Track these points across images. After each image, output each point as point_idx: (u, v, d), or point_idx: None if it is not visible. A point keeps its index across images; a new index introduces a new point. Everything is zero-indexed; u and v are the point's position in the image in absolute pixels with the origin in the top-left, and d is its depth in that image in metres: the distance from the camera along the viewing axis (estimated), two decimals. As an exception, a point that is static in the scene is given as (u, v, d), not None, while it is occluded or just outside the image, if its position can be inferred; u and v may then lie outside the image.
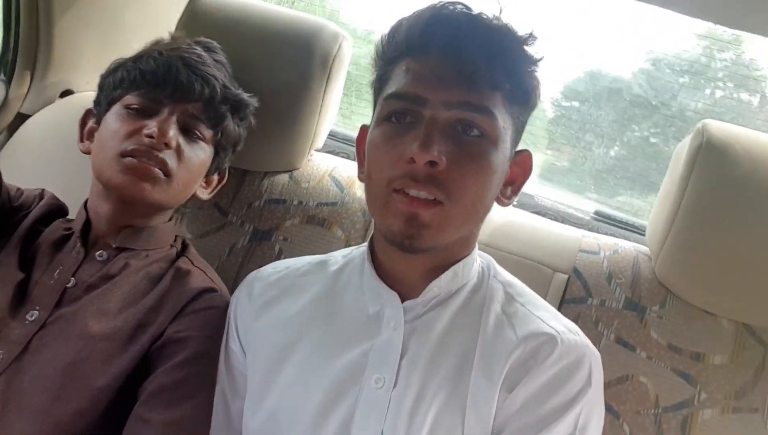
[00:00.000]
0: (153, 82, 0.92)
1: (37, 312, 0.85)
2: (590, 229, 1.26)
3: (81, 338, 0.82)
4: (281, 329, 0.83)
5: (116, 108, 0.94)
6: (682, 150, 1.01)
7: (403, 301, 0.79)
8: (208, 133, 0.96)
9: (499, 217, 1.14)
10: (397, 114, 0.75)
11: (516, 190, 0.83)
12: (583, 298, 1.00)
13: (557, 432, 0.70)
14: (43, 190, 1.02)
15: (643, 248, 1.09)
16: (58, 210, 0.98)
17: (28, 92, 1.35)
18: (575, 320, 0.90)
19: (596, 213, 1.42)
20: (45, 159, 1.21)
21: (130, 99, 0.93)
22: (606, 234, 1.27)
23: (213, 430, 0.84)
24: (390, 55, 0.79)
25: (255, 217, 1.12)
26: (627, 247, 1.08)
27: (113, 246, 0.92)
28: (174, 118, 0.91)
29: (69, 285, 0.88)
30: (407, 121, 0.74)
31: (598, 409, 0.75)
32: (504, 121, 0.75)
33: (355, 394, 0.74)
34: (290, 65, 1.10)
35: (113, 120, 0.93)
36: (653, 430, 0.94)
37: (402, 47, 0.77)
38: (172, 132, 0.90)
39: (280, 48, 1.11)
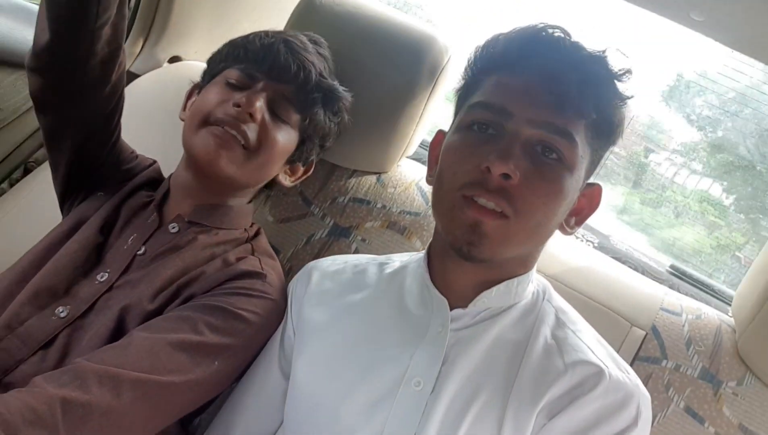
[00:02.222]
0: (253, 58, 0.95)
1: (107, 274, 0.88)
2: (662, 283, 1.22)
3: (132, 305, 0.84)
4: (331, 321, 0.84)
5: (216, 80, 0.96)
6: None
7: (452, 310, 0.79)
8: (295, 117, 0.96)
9: (581, 258, 1.11)
10: (479, 123, 0.76)
11: (580, 222, 0.82)
12: (658, 359, 0.96)
13: None
14: (154, 161, 1.05)
15: (728, 319, 1.04)
16: (156, 183, 1.00)
17: (139, 53, 1.40)
18: (646, 380, 0.87)
19: (672, 267, 1.37)
20: (147, 120, 1.25)
21: (230, 73, 0.95)
22: (678, 291, 1.22)
23: (253, 406, 0.86)
24: (482, 65, 0.80)
25: (337, 213, 1.12)
26: (710, 314, 1.04)
27: (186, 220, 0.93)
28: (264, 95, 0.92)
29: (139, 253, 0.90)
30: (489, 133, 0.75)
31: None
32: (583, 150, 0.75)
33: (394, 394, 0.75)
34: (397, 71, 1.10)
35: (210, 90, 0.95)
36: (709, 509, 0.90)
37: (496, 60, 0.78)
38: (259, 104, 0.91)
39: (389, 53, 1.11)
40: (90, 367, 0.73)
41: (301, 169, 1.05)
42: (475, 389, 0.74)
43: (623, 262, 1.23)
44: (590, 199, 0.82)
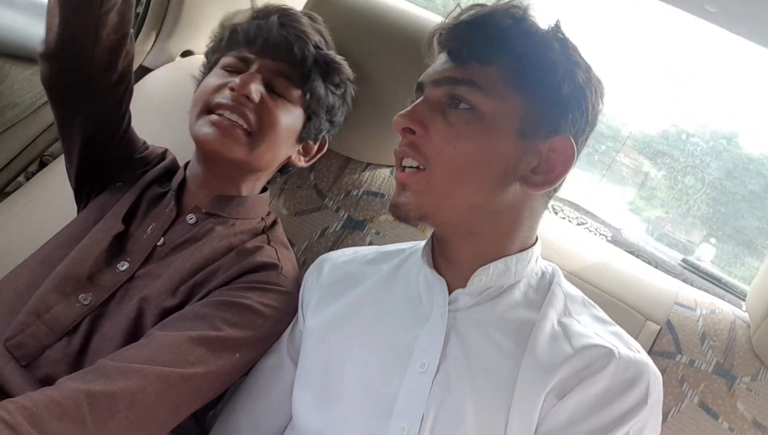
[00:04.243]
0: (245, 40, 0.95)
1: (127, 263, 0.89)
2: (676, 277, 1.22)
3: (151, 298, 0.85)
4: (339, 310, 0.85)
5: (214, 70, 0.97)
6: None
7: (452, 291, 0.80)
8: (296, 92, 0.96)
9: (596, 252, 1.11)
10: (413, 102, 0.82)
11: (551, 179, 0.76)
12: (672, 354, 0.96)
13: None
14: (166, 150, 1.06)
15: (742, 314, 1.04)
16: (174, 173, 1.01)
17: (152, 48, 1.40)
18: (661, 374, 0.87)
19: (684, 261, 1.36)
20: (161, 114, 1.26)
21: (225, 60, 0.96)
22: (691, 285, 1.22)
23: (263, 395, 0.87)
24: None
25: (351, 206, 1.13)
26: (725, 308, 1.04)
27: (203, 211, 0.94)
28: (260, 75, 0.92)
29: (159, 243, 0.91)
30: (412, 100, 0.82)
31: (650, 430, 0.73)
32: (504, 97, 0.75)
33: (400, 377, 0.76)
34: (409, 63, 1.09)
35: (208, 80, 0.96)
36: (722, 503, 0.90)
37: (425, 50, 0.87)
38: (254, 86, 0.91)
39: (402, 45, 1.11)
40: (113, 365, 0.74)
41: (314, 148, 1.04)
42: (482, 370, 0.74)
43: (636, 256, 1.23)
44: (560, 153, 0.76)
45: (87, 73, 0.91)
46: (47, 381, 0.76)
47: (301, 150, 1.02)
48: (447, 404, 0.73)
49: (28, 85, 1.17)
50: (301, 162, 1.03)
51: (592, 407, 0.71)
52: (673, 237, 1.70)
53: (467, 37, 0.77)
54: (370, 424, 0.75)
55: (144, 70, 1.38)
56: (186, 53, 1.44)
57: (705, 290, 1.20)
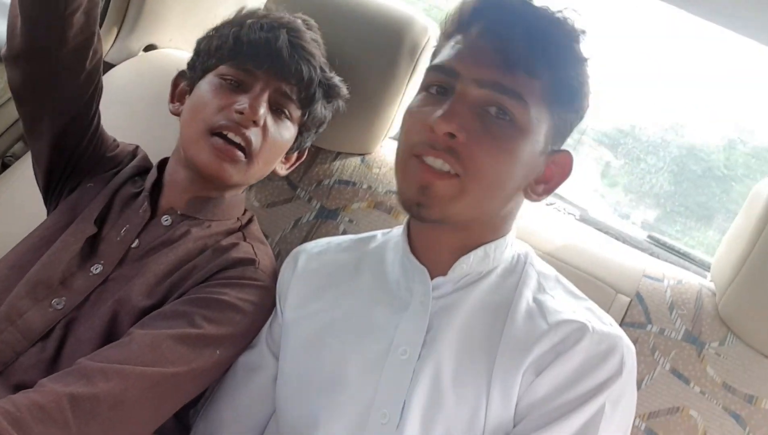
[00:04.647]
0: (251, 54, 0.90)
1: (101, 266, 0.88)
2: (643, 251, 1.25)
3: (126, 300, 0.84)
4: (317, 300, 0.86)
5: (210, 77, 0.93)
6: (761, 190, 0.99)
7: (432, 279, 0.80)
8: (297, 113, 0.95)
9: (566, 231, 1.13)
10: (435, 86, 0.77)
11: (549, 190, 0.81)
12: (643, 324, 0.99)
13: (580, 417, 0.70)
14: (137, 147, 1.04)
15: (708, 283, 1.07)
16: (146, 172, 0.99)
17: (113, 43, 1.38)
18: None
19: (650, 237, 1.40)
20: (126, 109, 1.24)
21: (225, 69, 0.92)
22: (657, 258, 1.25)
23: (243, 389, 0.87)
24: (446, 31, 0.81)
25: (323, 195, 1.13)
26: (691, 279, 1.07)
27: (179, 213, 0.93)
28: (266, 95, 0.90)
29: (133, 245, 0.90)
30: (441, 94, 0.77)
31: (626, 399, 0.75)
32: (538, 113, 0.75)
33: (381, 364, 0.76)
34: (378, 52, 1.11)
35: (206, 89, 0.92)
36: (697, 465, 0.93)
37: (453, 25, 0.79)
38: (263, 110, 0.89)
39: (369, 34, 1.11)
40: (94, 366, 0.74)
41: (295, 156, 1.04)
42: (461, 353, 0.75)
43: (605, 233, 1.26)
44: (560, 166, 0.81)
45: (53, 74, 0.89)
46: (22, 387, 0.74)
47: (283, 159, 1.02)
48: (429, 390, 0.74)
49: (-15, 84, 1.14)
50: (283, 170, 1.02)
51: (568, 380, 0.72)
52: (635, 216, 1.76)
53: (523, 47, 0.73)
54: (352, 412, 0.76)
55: (106, 66, 1.35)
56: (149, 47, 1.42)
57: (671, 263, 1.24)
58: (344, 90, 1.01)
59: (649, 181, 1.72)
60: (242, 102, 0.88)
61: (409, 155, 0.76)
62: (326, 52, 1.01)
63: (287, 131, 0.95)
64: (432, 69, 0.79)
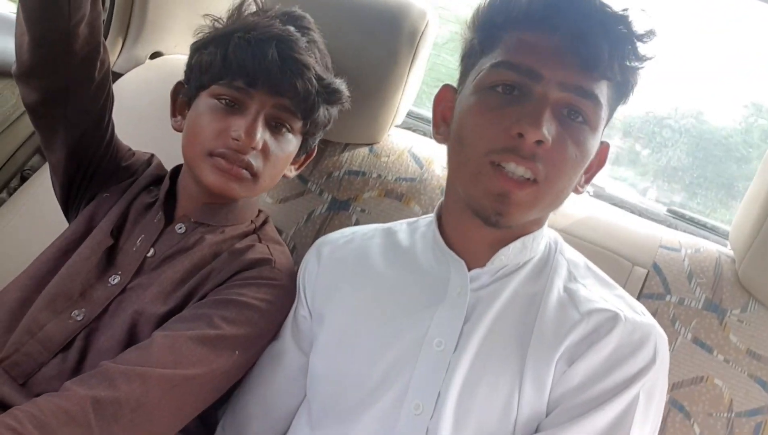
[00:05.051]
0: (242, 72, 0.87)
1: (119, 277, 0.89)
2: (660, 223, 1.24)
3: (143, 309, 0.85)
4: (348, 290, 0.85)
5: (205, 97, 0.90)
6: None
7: (469, 270, 0.80)
8: (297, 124, 0.92)
9: (581, 207, 1.12)
10: (505, 85, 0.73)
11: (589, 179, 0.83)
12: (662, 295, 0.98)
13: (615, 408, 0.70)
14: (152, 155, 1.05)
15: (726, 250, 1.06)
16: (161, 181, 0.99)
17: (120, 52, 1.40)
18: (652, 315, 0.89)
19: (669, 211, 1.38)
20: (135, 117, 1.26)
21: (219, 89, 0.89)
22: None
23: (270, 385, 0.88)
24: (500, 20, 0.76)
25: (334, 187, 1.13)
26: (709, 247, 1.06)
27: (192, 220, 0.93)
28: (262, 116, 0.88)
29: (149, 255, 0.91)
30: (515, 94, 0.73)
31: (659, 389, 0.74)
32: (604, 111, 0.75)
33: (416, 355, 0.76)
34: (377, 41, 1.10)
35: (202, 110, 0.90)
36: (724, 433, 0.92)
37: (518, 16, 0.74)
38: (259, 135, 0.86)
39: (367, 23, 1.11)
40: (116, 368, 0.75)
41: (303, 158, 1.03)
42: (495, 344, 0.75)
43: (620, 208, 1.25)
44: (599, 156, 0.81)
45: (64, 87, 0.90)
46: None
47: (291, 163, 1.00)
48: (463, 381, 0.74)
49: (1, 99, 1.16)
50: (292, 173, 1.01)
51: (602, 370, 0.72)
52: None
53: (606, 51, 0.71)
54: (384, 402, 0.76)
55: (114, 76, 1.37)
56: (155, 55, 1.44)
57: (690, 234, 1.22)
58: (345, 92, 0.97)
59: (666, 153, 1.70)
60: (238, 127, 0.86)
61: (484, 161, 0.73)
62: (328, 45, 0.98)
63: (289, 144, 0.93)
64: (503, 66, 0.74)
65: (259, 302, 0.85)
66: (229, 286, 0.86)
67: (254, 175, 0.89)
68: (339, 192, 1.13)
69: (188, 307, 0.85)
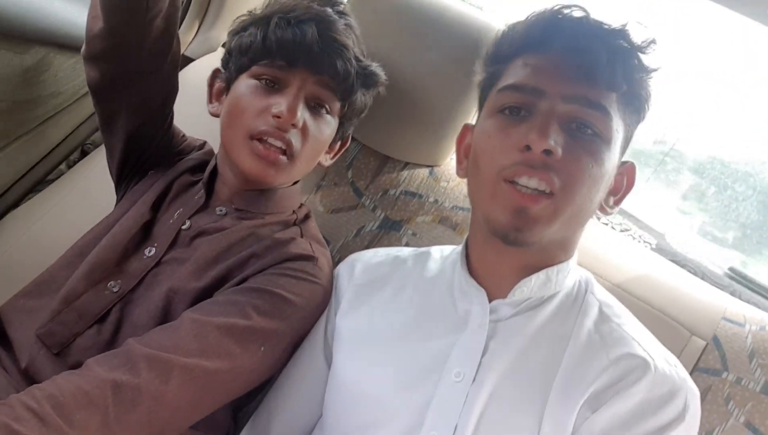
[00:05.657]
0: (282, 53, 0.88)
1: (154, 249, 0.90)
2: (723, 289, 1.17)
3: (178, 285, 0.85)
4: (372, 313, 0.85)
5: (245, 78, 0.91)
6: None
7: (491, 300, 0.79)
8: (336, 105, 0.93)
9: (640, 262, 1.07)
10: (511, 107, 0.76)
11: (618, 201, 0.82)
12: (718, 371, 0.92)
13: None
14: (205, 142, 1.06)
15: (795, 331, 0.99)
16: (207, 165, 1.00)
17: (194, 37, 1.40)
18: (704, 393, 0.84)
19: (731, 269, 1.31)
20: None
21: (259, 69, 0.90)
22: (739, 297, 1.17)
23: (296, 393, 0.86)
24: (504, 52, 0.80)
25: (388, 205, 1.11)
26: (776, 325, 0.99)
27: (234, 207, 0.93)
28: (303, 94, 0.89)
29: (184, 227, 0.91)
30: (522, 115, 0.75)
31: None
32: (617, 124, 0.75)
33: (434, 384, 0.75)
34: (454, 63, 1.08)
35: (243, 92, 0.91)
36: None
37: (519, 44, 0.78)
38: (300, 112, 0.88)
39: (445, 43, 1.08)
40: (140, 351, 0.75)
41: (338, 145, 1.02)
42: (516, 381, 0.74)
43: (681, 266, 1.19)
44: (627, 177, 0.82)
45: (131, 76, 0.91)
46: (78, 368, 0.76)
47: (326, 150, 1.00)
48: (481, 415, 0.72)
49: (72, 73, 1.18)
50: (327, 161, 1.01)
51: (627, 421, 0.69)
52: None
53: (605, 61, 0.74)
54: (400, 423, 0.75)
55: (186, 60, 1.38)
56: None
57: (753, 302, 1.15)
58: (383, 76, 0.98)
59: (735, 208, 1.62)
60: (279, 104, 0.87)
61: (498, 180, 0.74)
62: (401, 57, 1.00)
63: (327, 126, 0.93)
64: (508, 89, 0.77)
65: (295, 297, 0.84)
66: (267, 273, 0.85)
67: (291, 158, 0.89)
68: (393, 211, 1.11)
69: (223, 291, 0.84)
